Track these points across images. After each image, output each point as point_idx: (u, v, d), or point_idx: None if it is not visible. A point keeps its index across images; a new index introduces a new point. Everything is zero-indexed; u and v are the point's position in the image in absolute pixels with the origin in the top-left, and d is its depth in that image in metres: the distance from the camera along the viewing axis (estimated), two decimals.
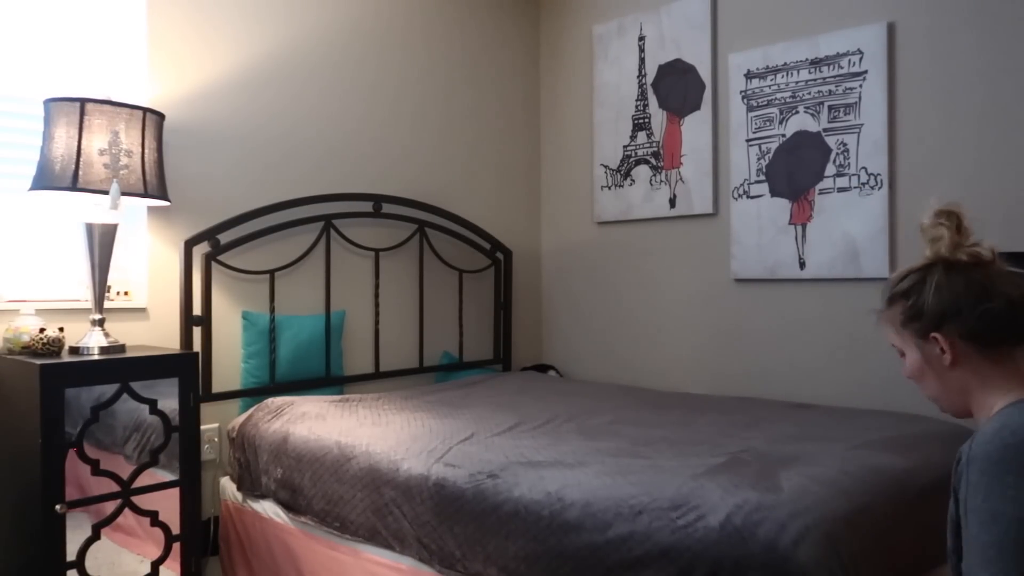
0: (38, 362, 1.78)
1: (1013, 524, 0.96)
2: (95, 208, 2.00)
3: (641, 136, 3.24)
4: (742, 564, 1.28)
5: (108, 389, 1.90)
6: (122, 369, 1.92)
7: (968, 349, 1.11)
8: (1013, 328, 1.10)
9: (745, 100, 2.88)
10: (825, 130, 2.67)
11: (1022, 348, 1.11)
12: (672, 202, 3.13)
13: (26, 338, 1.90)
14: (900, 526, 1.51)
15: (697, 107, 3.05)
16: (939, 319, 1.12)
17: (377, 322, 2.92)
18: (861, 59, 2.58)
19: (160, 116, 2.12)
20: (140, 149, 2.03)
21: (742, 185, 2.89)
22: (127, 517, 1.94)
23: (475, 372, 3.20)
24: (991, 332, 1.10)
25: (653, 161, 3.20)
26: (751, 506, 1.36)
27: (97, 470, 1.87)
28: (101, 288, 2.03)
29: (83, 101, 1.93)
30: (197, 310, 2.41)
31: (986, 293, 1.10)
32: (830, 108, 2.66)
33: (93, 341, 1.99)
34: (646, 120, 3.23)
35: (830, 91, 2.66)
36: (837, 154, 2.64)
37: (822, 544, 1.28)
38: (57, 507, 1.77)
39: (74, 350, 1.98)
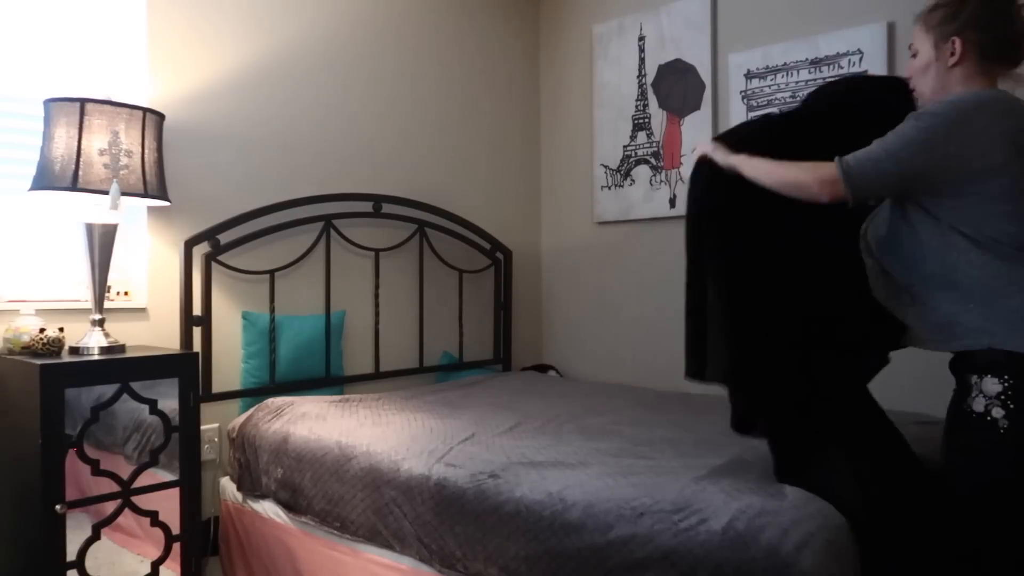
0: (38, 362, 1.78)
1: (911, 131, 1.34)
2: (95, 208, 2.00)
3: (641, 136, 3.24)
4: (744, 569, 1.28)
5: (108, 389, 1.90)
6: (122, 369, 1.92)
7: (972, 58, 1.41)
8: (1013, 55, 1.41)
9: (745, 100, 2.88)
10: None
11: (1004, 71, 1.43)
12: (672, 202, 3.13)
13: (26, 338, 1.90)
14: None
15: (697, 107, 3.05)
16: (963, 27, 1.40)
17: (377, 322, 2.92)
18: (861, 59, 2.58)
19: (160, 116, 2.11)
20: (140, 149, 2.02)
21: None
22: (127, 517, 1.93)
23: (475, 372, 3.20)
24: (997, 51, 1.40)
25: (653, 161, 3.20)
26: (754, 511, 1.36)
27: (97, 470, 1.87)
28: (101, 288, 2.03)
29: (83, 101, 1.93)
30: (197, 310, 2.40)
31: (1010, 20, 1.40)
32: None
33: (93, 341, 1.98)
34: (646, 120, 3.22)
35: None
36: None
37: (824, 551, 1.28)
38: (57, 507, 1.77)
39: (74, 350, 1.98)
